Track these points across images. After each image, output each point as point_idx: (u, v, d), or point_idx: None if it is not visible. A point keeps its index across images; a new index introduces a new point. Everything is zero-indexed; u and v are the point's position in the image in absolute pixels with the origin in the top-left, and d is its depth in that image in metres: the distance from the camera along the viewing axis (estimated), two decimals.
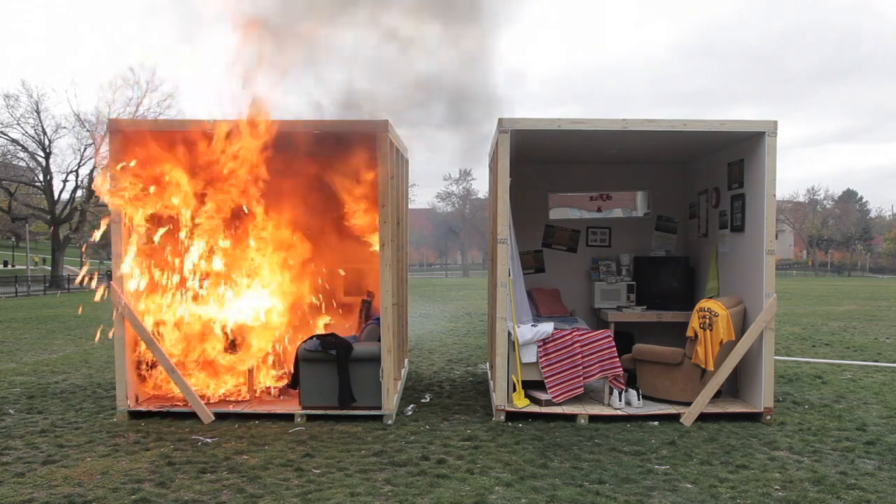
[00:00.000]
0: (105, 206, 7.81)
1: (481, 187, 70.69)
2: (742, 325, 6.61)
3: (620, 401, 6.63)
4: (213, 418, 6.42)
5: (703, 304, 6.65)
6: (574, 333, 6.77)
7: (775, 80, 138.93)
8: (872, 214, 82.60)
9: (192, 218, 7.09)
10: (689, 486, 4.74)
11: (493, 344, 6.86)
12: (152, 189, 6.80)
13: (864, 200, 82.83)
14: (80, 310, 16.53)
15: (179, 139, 6.74)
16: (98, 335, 9.82)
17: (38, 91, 39.20)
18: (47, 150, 40.48)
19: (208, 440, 5.81)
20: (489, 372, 8.06)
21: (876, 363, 9.93)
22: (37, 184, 42.77)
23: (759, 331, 6.38)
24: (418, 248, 71.65)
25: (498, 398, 6.52)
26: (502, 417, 6.46)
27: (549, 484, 4.75)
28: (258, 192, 7.09)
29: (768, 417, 6.37)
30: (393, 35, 6.34)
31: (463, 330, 14.54)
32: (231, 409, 6.64)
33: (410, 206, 9.85)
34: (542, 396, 6.63)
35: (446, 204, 76.51)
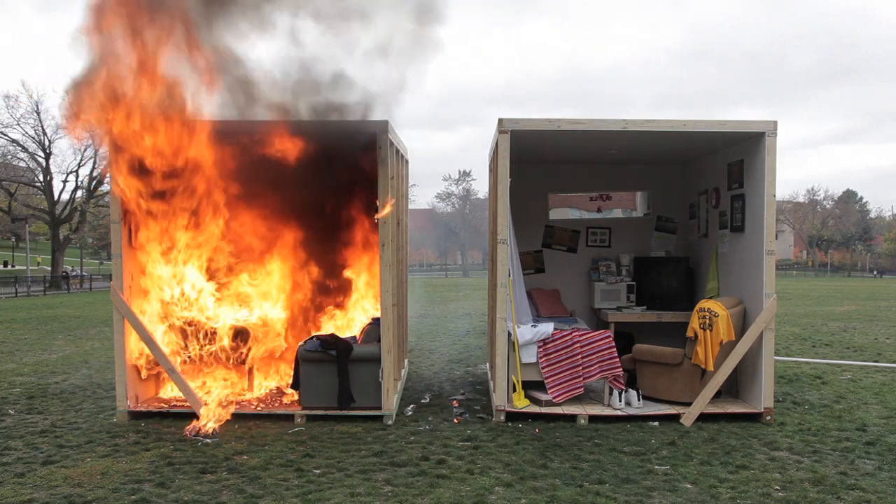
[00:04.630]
0: (106, 206, 7.80)
1: (481, 188, 70.76)
2: (742, 325, 6.61)
3: (620, 401, 6.63)
4: None
5: (703, 304, 6.66)
6: (574, 334, 6.77)
7: (775, 82, 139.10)
8: (872, 215, 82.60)
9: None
10: (689, 486, 4.74)
11: (493, 344, 6.86)
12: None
13: (863, 201, 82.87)
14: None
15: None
16: None
17: (38, 91, 39.19)
18: (47, 151, 40.46)
19: (208, 440, 5.81)
20: (489, 372, 8.06)
21: (876, 363, 9.93)
22: (37, 184, 42.73)
23: (758, 331, 6.38)
24: (418, 249, 71.61)
25: (498, 398, 6.52)
26: (502, 418, 6.46)
27: (549, 484, 4.75)
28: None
29: (768, 418, 6.37)
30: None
31: (463, 330, 14.54)
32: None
33: (410, 207, 9.84)
34: (542, 397, 6.63)
35: (446, 204, 76.53)
